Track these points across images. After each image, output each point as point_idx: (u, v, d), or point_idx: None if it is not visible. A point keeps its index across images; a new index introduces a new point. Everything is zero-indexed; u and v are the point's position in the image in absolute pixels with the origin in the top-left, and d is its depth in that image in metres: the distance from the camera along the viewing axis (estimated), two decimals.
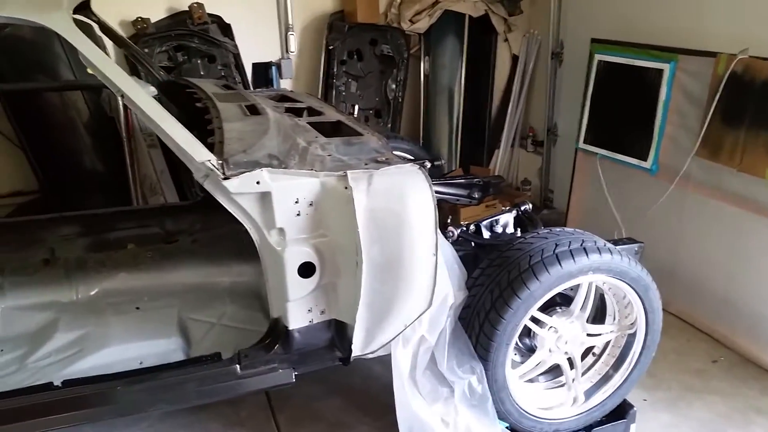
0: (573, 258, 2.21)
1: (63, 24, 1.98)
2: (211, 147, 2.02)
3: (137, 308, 2.74)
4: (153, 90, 2.97)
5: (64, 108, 3.94)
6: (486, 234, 2.69)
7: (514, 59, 5.28)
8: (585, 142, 4.34)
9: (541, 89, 5.16)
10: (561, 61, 4.91)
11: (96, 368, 2.33)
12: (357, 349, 2.17)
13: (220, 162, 1.95)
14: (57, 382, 1.99)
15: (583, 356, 2.57)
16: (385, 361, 2.28)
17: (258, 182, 1.95)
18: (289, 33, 4.81)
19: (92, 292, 2.79)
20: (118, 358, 2.39)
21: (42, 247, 2.85)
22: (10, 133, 4.10)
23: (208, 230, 3.09)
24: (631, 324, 2.51)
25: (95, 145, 4.03)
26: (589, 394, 2.57)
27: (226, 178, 1.92)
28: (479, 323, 2.23)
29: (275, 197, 1.98)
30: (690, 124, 3.59)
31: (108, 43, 3.49)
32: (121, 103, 3.77)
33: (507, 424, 2.38)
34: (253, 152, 2.04)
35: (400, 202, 2.06)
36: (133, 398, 2.04)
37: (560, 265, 2.18)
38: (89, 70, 2.08)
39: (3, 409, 1.93)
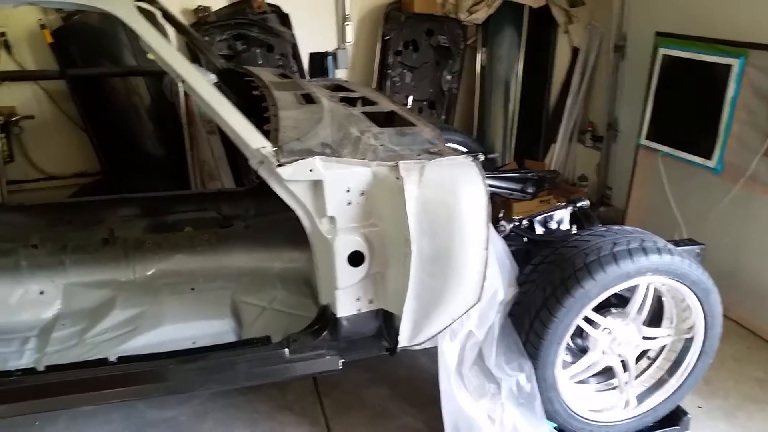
0: (631, 258, 2.14)
1: (126, 10, 2.03)
2: (266, 134, 2.05)
3: (192, 289, 2.80)
4: (213, 77, 3.03)
5: (127, 93, 4.06)
6: (539, 230, 2.64)
7: (575, 52, 5.15)
8: (647, 138, 4.20)
9: (601, 83, 5.02)
10: (623, 54, 4.76)
11: (150, 346, 2.39)
12: (404, 340, 2.17)
13: (275, 149, 1.98)
14: (112, 358, 2.06)
15: (637, 359, 2.50)
16: (431, 354, 2.27)
17: (311, 170, 1.97)
18: (346, 23, 4.82)
19: (149, 272, 2.86)
20: (172, 337, 2.46)
21: (102, 227, 2.94)
22: (75, 117, 4.25)
23: (262, 216, 3.13)
24: (689, 328, 2.42)
25: (156, 130, 4.14)
26: (641, 398, 2.50)
27: (279, 165, 1.95)
28: (530, 321, 2.19)
29: (327, 185, 1.99)
30: (759, 123, 3.42)
31: (170, 30, 3.57)
32: (181, 89, 3.86)
33: (555, 425, 2.34)
34: (306, 140, 2.06)
35: (451, 194, 2.04)
36: (184, 377, 2.09)
37: (617, 264, 2.12)
38: (150, 56, 2.13)
39: (61, 381, 2.01)
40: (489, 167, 4.10)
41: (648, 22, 4.34)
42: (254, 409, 2.62)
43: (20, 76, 4.14)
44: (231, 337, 2.50)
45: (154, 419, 2.56)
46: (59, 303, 2.70)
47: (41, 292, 2.71)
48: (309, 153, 1.99)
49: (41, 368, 2.03)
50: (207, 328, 2.52)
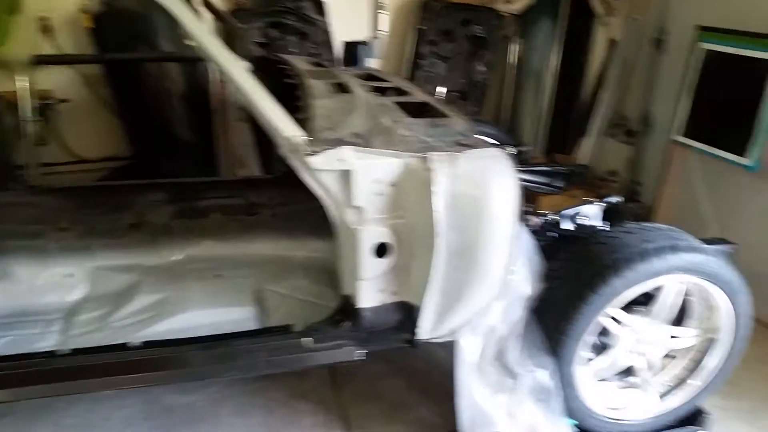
0: (660, 256, 2.10)
1: None
2: (299, 122, 2.05)
3: (217, 276, 2.80)
4: (247, 64, 3.05)
5: (161, 79, 4.10)
6: (569, 225, 2.61)
7: (612, 44, 5.06)
8: (682, 134, 4.12)
9: (638, 77, 4.92)
10: (663, 48, 4.65)
11: (173, 332, 2.40)
12: (425, 333, 2.16)
13: (306, 138, 1.98)
14: (134, 343, 2.07)
15: (662, 358, 2.46)
16: (449, 347, 2.26)
17: (341, 160, 1.97)
18: (381, 12, 4.80)
19: (176, 258, 2.88)
20: (195, 323, 2.46)
21: (131, 212, 2.96)
22: (110, 101, 4.31)
23: (288, 204, 3.13)
24: (717, 329, 2.37)
25: (187, 116, 4.17)
26: (664, 397, 2.48)
27: (310, 154, 1.95)
28: (552, 317, 2.18)
29: (356, 176, 1.99)
30: None
31: (208, 16, 3.60)
32: (214, 76, 3.91)
33: (576, 422, 2.33)
34: (338, 130, 2.07)
35: (481, 187, 2.03)
36: (206, 363, 2.11)
37: (645, 262, 2.09)
38: (188, 42, 2.15)
39: (85, 364, 2.03)
40: (520, 160, 4.08)
41: (690, 16, 4.22)
42: (271, 397, 2.64)
43: (58, 60, 4.23)
44: (254, 325, 2.50)
45: (171, 404, 2.59)
46: (85, 286, 2.71)
47: (68, 275, 2.73)
48: (340, 143, 1.99)
49: (66, 351, 2.04)
50: (230, 315, 2.52)
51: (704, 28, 3.97)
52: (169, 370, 2.11)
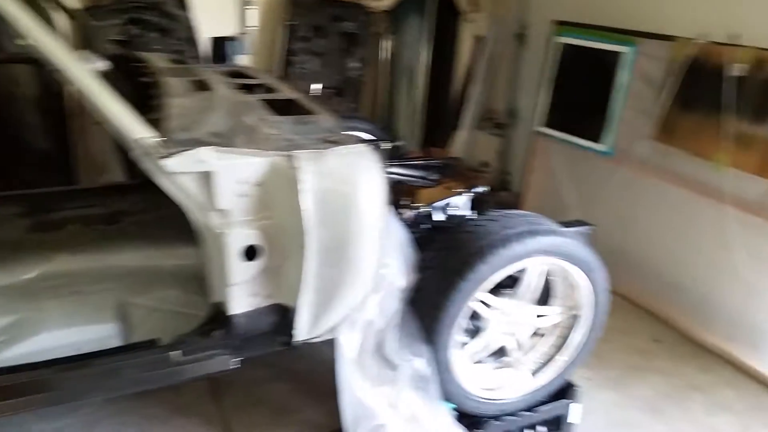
0: (520, 240, 2.21)
1: None
2: (152, 123, 1.94)
3: (76, 292, 2.59)
4: (105, 64, 2.86)
5: (9, 82, 3.78)
6: (440, 216, 2.68)
7: (478, 40, 5.25)
8: (543, 124, 4.35)
9: (504, 71, 5.15)
10: (525, 43, 4.90)
11: (29, 355, 2.21)
12: (302, 334, 2.13)
13: (160, 139, 1.87)
14: None
15: (531, 337, 2.58)
16: (332, 345, 2.24)
17: (199, 161, 1.87)
18: (249, 7, 4.69)
19: (29, 276, 2.63)
20: (54, 344, 2.28)
21: None
22: None
23: (153, 211, 2.97)
24: (579, 305, 2.52)
25: (42, 122, 3.88)
26: (535, 374, 2.60)
27: (165, 156, 1.84)
28: (426, 305, 2.22)
29: (218, 177, 1.91)
30: (647, 108, 3.62)
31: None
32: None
33: (455, 405, 2.39)
34: (195, 129, 1.97)
35: (348, 183, 2.01)
36: (66, 386, 1.96)
37: (507, 247, 2.18)
38: (20, 41, 1.97)
39: None
40: (394, 155, 4.14)
41: (548, 11, 4.48)
42: (147, 414, 2.52)
43: None
44: (118, 342, 2.35)
45: (40, 431, 2.42)
46: None
47: None
48: (198, 143, 1.89)
49: None
50: (91, 333, 2.36)
51: (560, 23, 4.22)
52: (26, 397, 1.93)
